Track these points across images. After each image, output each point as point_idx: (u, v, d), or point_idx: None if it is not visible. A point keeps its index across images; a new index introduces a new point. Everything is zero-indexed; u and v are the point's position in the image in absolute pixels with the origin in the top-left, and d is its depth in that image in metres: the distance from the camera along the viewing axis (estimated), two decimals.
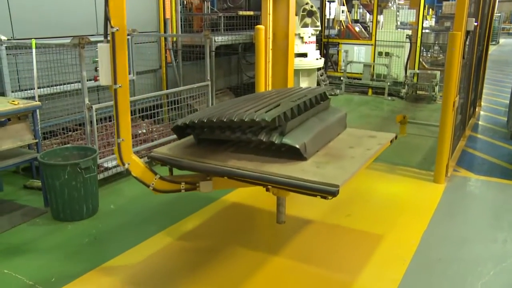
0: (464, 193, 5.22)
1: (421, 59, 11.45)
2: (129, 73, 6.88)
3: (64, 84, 5.57)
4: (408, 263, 3.70)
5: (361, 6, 17.78)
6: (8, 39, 5.41)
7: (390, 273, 3.56)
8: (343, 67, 11.34)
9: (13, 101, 4.41)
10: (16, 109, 4.28)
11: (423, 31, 10.86)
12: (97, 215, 4.46)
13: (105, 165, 5.22)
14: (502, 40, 31.08)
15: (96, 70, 3.20)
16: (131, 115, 5.92)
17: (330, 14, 11.96)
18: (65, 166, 4.16)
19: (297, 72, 7.83)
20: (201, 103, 6.70)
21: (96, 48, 3.02)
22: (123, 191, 5.07)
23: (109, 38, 2.96)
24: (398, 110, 9.38)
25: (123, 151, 3.22)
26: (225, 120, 3.07)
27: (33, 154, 4.53)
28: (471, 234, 4.24)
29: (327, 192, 2.75)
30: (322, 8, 11.61)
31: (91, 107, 4.79)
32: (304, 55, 8.25)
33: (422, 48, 11.83)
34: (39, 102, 4.62)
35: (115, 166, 5.21)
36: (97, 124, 4.95)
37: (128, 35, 6.72)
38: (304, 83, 8.25)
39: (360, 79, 11.03)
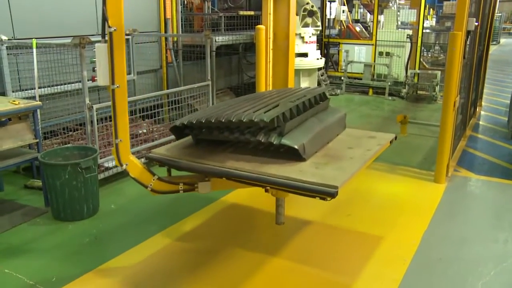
0: (465, 193, 5.21)
1: (421, 59, 11.45)
2: (130, 73, 6.89)
3: (65, 84, 5.58)
4: (408, 263, 3.70)
5: (361, 6, 17.77)
6: (8, 39, 5.42)
7: (391, 273, 3.56)
8: (343, 67, 11.33)
9: (14, 101, 4.42)
10: (16, 109, 4.28)
11: (424, 31, 10.86)
12: (98, 215, 4.47)
13: (106, 165, 5.23)
14: (502, 40, 31.05)
15: (94, 70, 3.20)
16: (132, 115, 6.06)
17: (330, 14, 11.93)
18: (66, 166, 4.17)
19: (297, 72, 7.84)
20: (202, 103, 6.70)
21: None
22: (124, 191, 5.08)
23: (107, 38, 2.95)
24: (399, 110, 9.37)
25: (121, 152, 3.21)
26: (223, 120, 3.06)
27: (33, 154, 4.53)
28: (472, 234, 4.24)
29: (326, 193, 2.74)
30: (322, 8, 11.59)
31: (92, 107, 4.79)
32: (304, 55, 8.24)
33: (422, 48, 11.83)
34: (40, 102, 4.63)
35: (115, 166, 5.18)
36: (97, 124, 4.95)
37: (128, 35, 6.75)
38: (304, 83, 8.24)
39: (361, 79, 11.03)
